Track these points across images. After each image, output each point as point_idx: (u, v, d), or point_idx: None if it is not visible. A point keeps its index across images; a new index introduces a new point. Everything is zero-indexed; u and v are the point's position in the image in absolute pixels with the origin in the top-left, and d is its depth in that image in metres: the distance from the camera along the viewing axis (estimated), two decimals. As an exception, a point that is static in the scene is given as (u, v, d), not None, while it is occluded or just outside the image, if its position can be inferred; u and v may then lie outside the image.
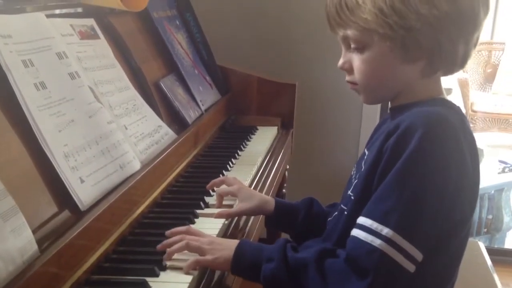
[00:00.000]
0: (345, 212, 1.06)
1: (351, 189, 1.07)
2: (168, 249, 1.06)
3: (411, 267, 0.92)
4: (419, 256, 0.92)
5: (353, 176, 1.09)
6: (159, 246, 1.07)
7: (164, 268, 1.03)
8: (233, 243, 1.06)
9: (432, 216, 0.92)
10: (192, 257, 1.04)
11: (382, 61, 1.00)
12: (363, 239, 0.93)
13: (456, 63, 1.01)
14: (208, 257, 1.04)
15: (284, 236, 1.43)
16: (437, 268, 0.99)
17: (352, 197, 1.04)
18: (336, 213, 1.14)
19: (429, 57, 0.98)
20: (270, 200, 1.33)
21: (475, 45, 1.01)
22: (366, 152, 1.07)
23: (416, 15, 0.94)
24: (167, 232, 1.12)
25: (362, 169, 1.02)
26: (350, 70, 1.05)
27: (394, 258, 0.91)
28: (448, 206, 0.94)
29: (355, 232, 0.95)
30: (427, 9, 0.93)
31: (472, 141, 0.99)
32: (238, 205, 1.31)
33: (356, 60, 1.02)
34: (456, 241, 1.01)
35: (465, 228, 1.01)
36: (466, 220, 1.01)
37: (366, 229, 0.93)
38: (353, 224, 0.97)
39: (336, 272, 0.95)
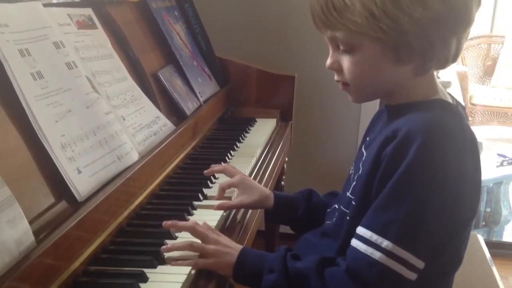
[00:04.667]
0: (347, 217, 1.04)
1: (350, 191, 1.06)
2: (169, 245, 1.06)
3: (412, 276, 0.91)
4: (420, 264, 0.91)
5: (352, 177, 1.07)
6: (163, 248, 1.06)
7: (162, 260, 1.03)
8: (235, 249, 1.06)
9: (432, 226, 0.91)
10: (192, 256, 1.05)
11: (373, 63, 0.96)
12: (363, 251, 0.92)
13: (448, 59, 0.98)
14: (210, 261, 1.04)
15: (283, 228, 1.42)
16: (438, 271, 0.99)
17: (353, 202, 1.02)
18: (336, 212, 1.12)
19: (421, 58, 0.95)
20: (270, 195, 1.32)
21: (466, 38, 0.99)
22: (364, 153, 1.05)
23: (409, 17, 0.89)
24: (167, 224, 1.11)
25: (360, 171, 1.01)
26: (339, 70, 1.01)
27: (395, 270, 0.90)
28: (448, 215, 0.93)
29: (355, 243, 0.94)
30: (421, 12, 0.89)
31: (473, 140, 0.97)
32: (239, 198, 1.31)
33: (346, 61, 0.98)
34: (457, 244, 1.00)
35: (466, 230, 1.01)
36: (467, 225, 1.00)
37: (366, 241, 0.92)
38: (356, 228, 0.96)
39: (337, 283, 0.95)
